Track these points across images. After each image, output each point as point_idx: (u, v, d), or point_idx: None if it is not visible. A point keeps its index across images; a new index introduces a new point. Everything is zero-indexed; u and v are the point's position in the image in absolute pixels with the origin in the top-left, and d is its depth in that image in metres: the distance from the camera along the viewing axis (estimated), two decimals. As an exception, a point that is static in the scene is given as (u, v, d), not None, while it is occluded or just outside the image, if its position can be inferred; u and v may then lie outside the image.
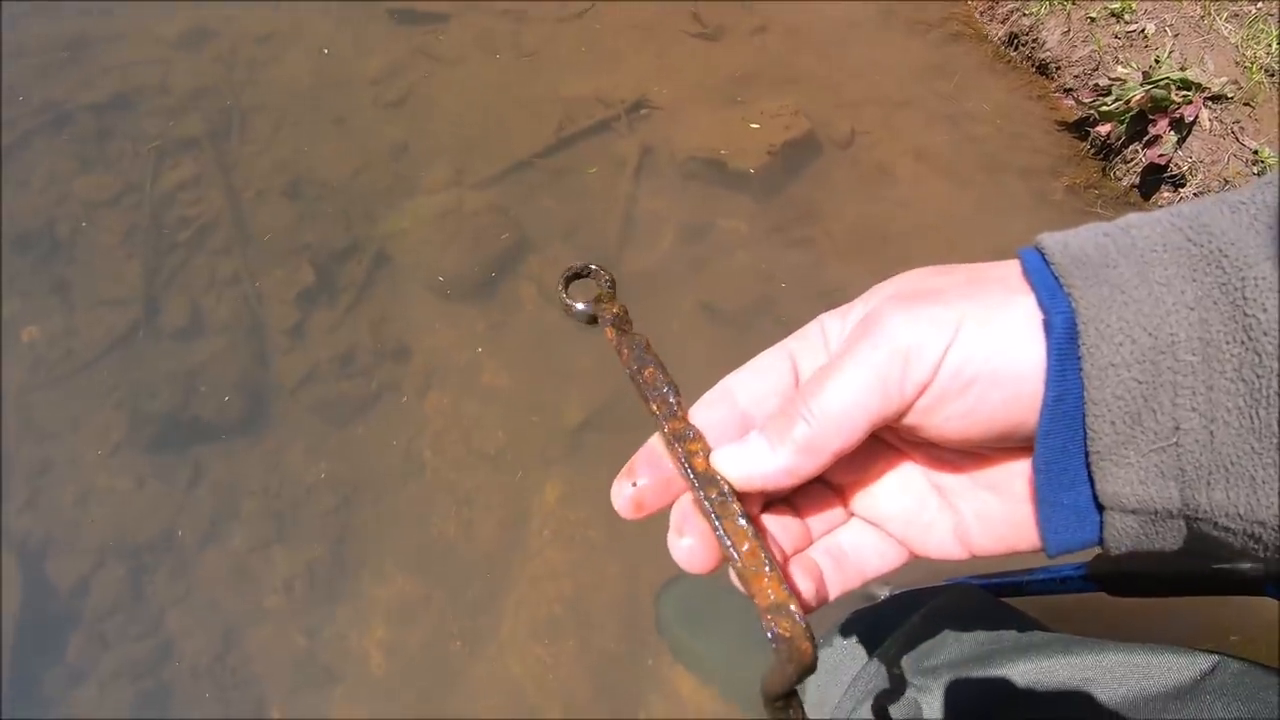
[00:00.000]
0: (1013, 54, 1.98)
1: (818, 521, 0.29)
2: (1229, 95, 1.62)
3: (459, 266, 1.54)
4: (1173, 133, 1.62)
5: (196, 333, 1.45)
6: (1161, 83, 1.60)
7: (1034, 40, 1.94)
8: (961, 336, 0.24)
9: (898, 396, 0.25)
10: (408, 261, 1.56)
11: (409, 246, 1.57)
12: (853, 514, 0.30)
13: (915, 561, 0.30)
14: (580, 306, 0.30)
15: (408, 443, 1.37)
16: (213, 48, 1.83)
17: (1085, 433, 0.24)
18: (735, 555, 0.24)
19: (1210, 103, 1.62)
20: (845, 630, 0.65)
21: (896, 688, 0.55)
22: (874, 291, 0.28)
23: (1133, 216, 0.25)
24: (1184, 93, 1.60)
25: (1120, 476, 0.23)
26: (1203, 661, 0.46)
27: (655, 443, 0.27)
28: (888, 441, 0.29)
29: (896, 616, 0.63)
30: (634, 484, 0.27)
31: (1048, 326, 0.24)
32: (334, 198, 1.63)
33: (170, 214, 1.58)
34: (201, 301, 1.48)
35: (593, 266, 0.31)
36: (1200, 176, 1.62)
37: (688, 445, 0.26)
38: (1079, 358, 0.23)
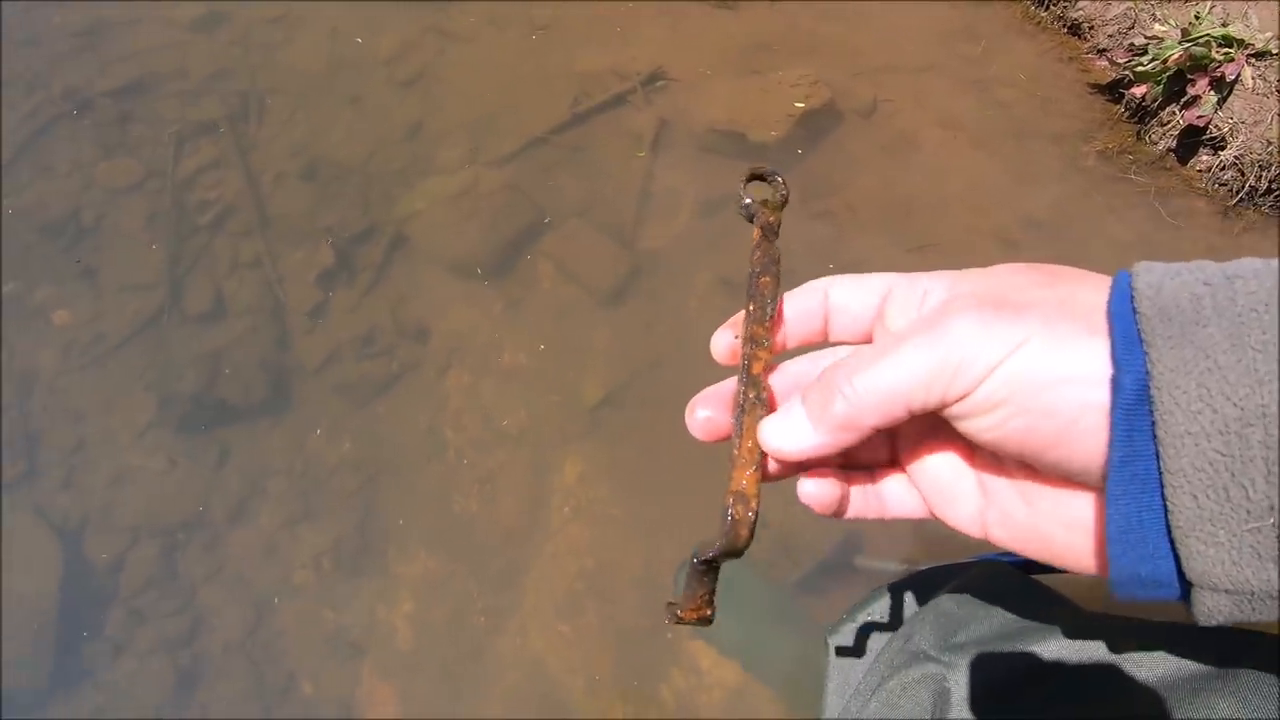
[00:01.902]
0: (1043, 14, 1.91)
1: (864, 454, 0.31)
2: (1274, 51, 1.54)
3: (476, 246, 1.54)
4: (1213, 92, 1.55)
5: (220, 315, 1.47)
6: (1201, 40, 1.53)
7: (1066, -1, 1.86)
8: (1014, 358, 0.24)
9: (939, 396, 0.25)
10: (425, 241, 1.56)
11: (426, 226, 1.57)
12: (894, 459, 0.32)
13: (940, 530, 0.32)
14: (749, 201, 0.33)
15: (429, 422, 1.38)
16: (227, 31, 1.83)
17: (1164, 504, 0.22)
18: (736, 444, 0.28)
19: (1254, 60, 1.54)
20: (872, 605, 0.64)
21: (923, 663, 0.54)
22: (965, 277, 0.28)
23: (1244, 264, 0.23)
24: (1225, 50, 1.53)
25: (1210, 556, 0.22)
26: (1241, 641, 0.44)
27: (725, 385, 0.31)
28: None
29: (924, 592, 0.62)
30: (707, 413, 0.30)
31: (1116, 384, 0.22)
32: (351, 179, 1.63)
33: (191, 198, 1.59)
34: (224, 284, 1.50)
35: (777, 177, 0.34)
36: (1242, 138, 1.55)
37: (756, 350, 0.29)
38: (1152, 421, 0.22)
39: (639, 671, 1.17)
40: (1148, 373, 0.22)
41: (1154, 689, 0.44)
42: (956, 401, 0.25)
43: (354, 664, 1.19)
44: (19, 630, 1.17)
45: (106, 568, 1.25)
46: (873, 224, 1.57)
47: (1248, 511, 0.21)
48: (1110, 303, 0.24)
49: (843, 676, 0.64)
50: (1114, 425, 0.23)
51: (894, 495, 0.31)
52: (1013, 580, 0.62)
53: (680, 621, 0.29)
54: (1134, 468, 0.23)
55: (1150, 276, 0.24)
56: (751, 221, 0.33)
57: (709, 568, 0.28)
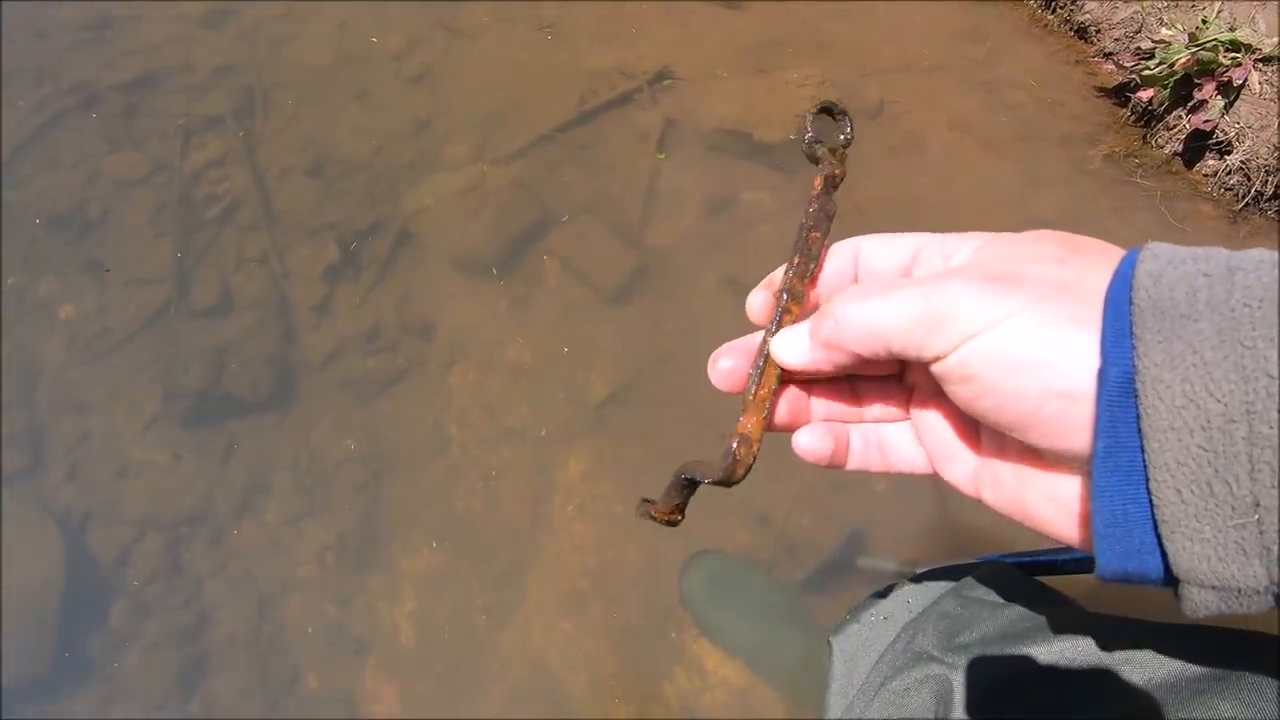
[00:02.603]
0: (1050, 17, 1.90)
1: (876, 408, 0.33)
2: (1282, 56, 1.54)
3: (482, 242, 1.54)
4: (1220, 97, 1.55)
5: (226, 310, 1.47)
6: (1209, 44, 1.53)
7: (1073, 2, 1.86)
8: (990, 334, 0.24)
9: (916, 348, 0.26)
10: (431, 238, 1.56)
11: (432, 223, 1.57)
12: (909, 415, 0.32)
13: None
14: (813, 135, 0.33)
15: (434, 418, 1.38)
16: (234, 25, 1.83)
17: (1150, 498, 0.22)
18: (752, 389, 0.30)
19: (1261, 64, 1.54)
20: (875, 605, 0.65)
21: (927, 663, 0.54)
22: (991, 243, 0.28)
23: (1250, 255, 0.23)
24: (1233, 54, 1.53)
25: (1196, 553, 0.22)
26: (1245, 643, 0.44)
27: (750, 340, 0.32)
28: None
29: (927, 592, 0.63)
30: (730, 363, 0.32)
31: (1102, 376, 0.23)
32: (357, 174, 1.63)
33: (198, 192, 1.60)
34: (230, 279, 1.50)
35: (846, 115, 0.34)
36: (1248, 143, 1.55)
37: (790, 304, 0.31)
38: (1137, 415, 0.22)
39: (642, 670, 1.17)
40: (1134, 367, 0.22)
41: (1156, 689, 0.45)
42: (932, 362, 0.26)
43: (358, 660, 1.20)
44: (23, 623, 1.18)
45: (111, 561, 1.25)
46: (880, 225, 1.56)
47: (1232, 508, 0.21)
48: (1110, 289, 0.24)
49: (846, 677, 0.64)
50: (1098, 416, 0.23)
51: (899, 450, 0.32)
52: (1016, 581, 0.62)
53: (650, 518, 0.31)
54: (1118, 459, 0.23)
55: (1154, 264, 0.23)
56: (815, 162, 0.33)
57: (691, 486, 0.30)
